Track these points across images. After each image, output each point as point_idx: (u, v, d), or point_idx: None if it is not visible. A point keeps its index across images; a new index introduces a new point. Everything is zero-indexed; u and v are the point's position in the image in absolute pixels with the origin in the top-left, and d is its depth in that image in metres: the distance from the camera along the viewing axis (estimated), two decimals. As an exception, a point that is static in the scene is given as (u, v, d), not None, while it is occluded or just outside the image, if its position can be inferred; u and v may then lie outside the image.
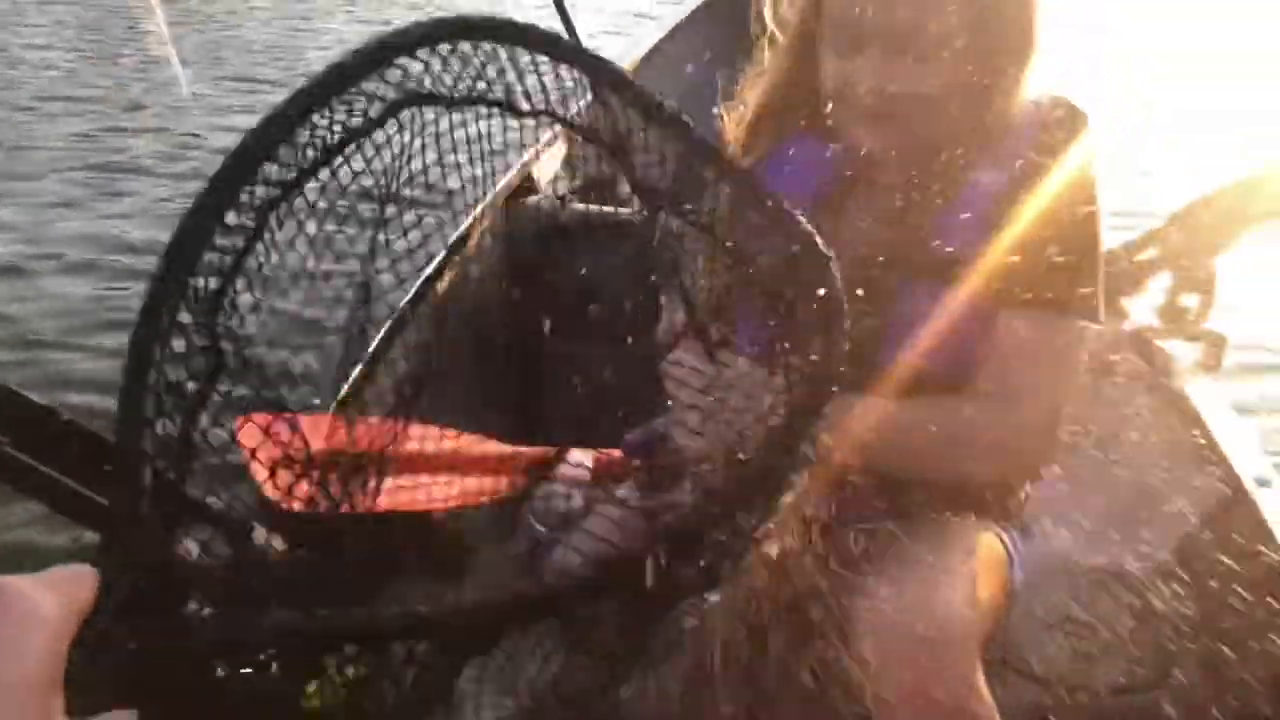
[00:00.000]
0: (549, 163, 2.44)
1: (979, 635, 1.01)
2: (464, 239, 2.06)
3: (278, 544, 0.70)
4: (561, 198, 2.36)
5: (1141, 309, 1.96)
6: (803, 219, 0.66)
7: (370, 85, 0.59)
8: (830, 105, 1.16)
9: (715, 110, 1.29)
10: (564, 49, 0.68)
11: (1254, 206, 1.86)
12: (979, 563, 1.12)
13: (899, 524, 1.12)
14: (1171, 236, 1.93)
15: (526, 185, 2.47)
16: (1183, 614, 1.46)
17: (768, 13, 1.22)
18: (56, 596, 0.38)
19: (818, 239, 0.64)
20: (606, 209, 2.38)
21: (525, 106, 0.71)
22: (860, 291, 0.92)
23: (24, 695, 0.35)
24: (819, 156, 1.19)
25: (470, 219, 2.20)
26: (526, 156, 2.33)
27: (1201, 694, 1.34)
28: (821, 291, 0.61)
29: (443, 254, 1.99)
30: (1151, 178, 4.86)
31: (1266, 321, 3.53)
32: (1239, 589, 1.41)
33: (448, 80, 0.65)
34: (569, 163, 2.49)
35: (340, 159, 0.61)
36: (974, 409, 1.11)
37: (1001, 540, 1.20)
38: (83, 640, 0.39)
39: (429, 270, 1.88)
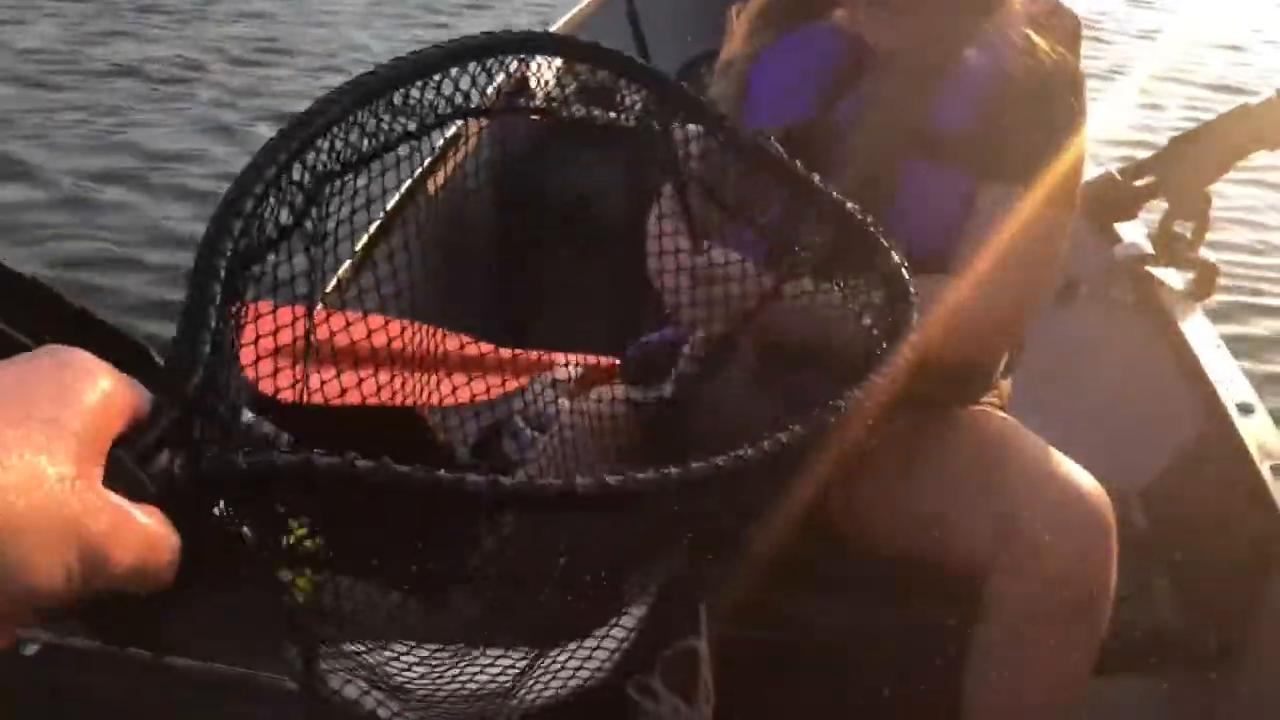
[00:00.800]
0: (544, 63, 2.39)
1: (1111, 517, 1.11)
2: (456, 138, 2.03)
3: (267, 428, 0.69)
4: (559, 100, 2.31)
5: (1136, 234, 1.96)
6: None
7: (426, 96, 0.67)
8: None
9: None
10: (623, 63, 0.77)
11: (1250, 135, 1.85)
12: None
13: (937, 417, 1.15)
14: (1168, 163, 1.92)
15: (520, 86, 2.42)
16: (1161, 530, 1.48)
17: None
18: (115, 378, 0.39)
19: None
20: (602, 112, 2.33)
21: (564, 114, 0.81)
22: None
23: (75, 438, 0.36)
24: (824, 45, 1.19)
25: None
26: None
27: (1172, 608, 1.37)
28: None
29: (434, 152, 1.96)
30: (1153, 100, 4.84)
31: (1257, 251, 3.56)
32: (1217, 510, 1.43)
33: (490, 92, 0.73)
34: (566, 66, 2.44)
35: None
36: (950, 291, 1.11)
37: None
38: (133, 441, 0.39)
39: (420, 168, 1.85)
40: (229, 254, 0.50)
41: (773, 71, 1.19)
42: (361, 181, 0.70)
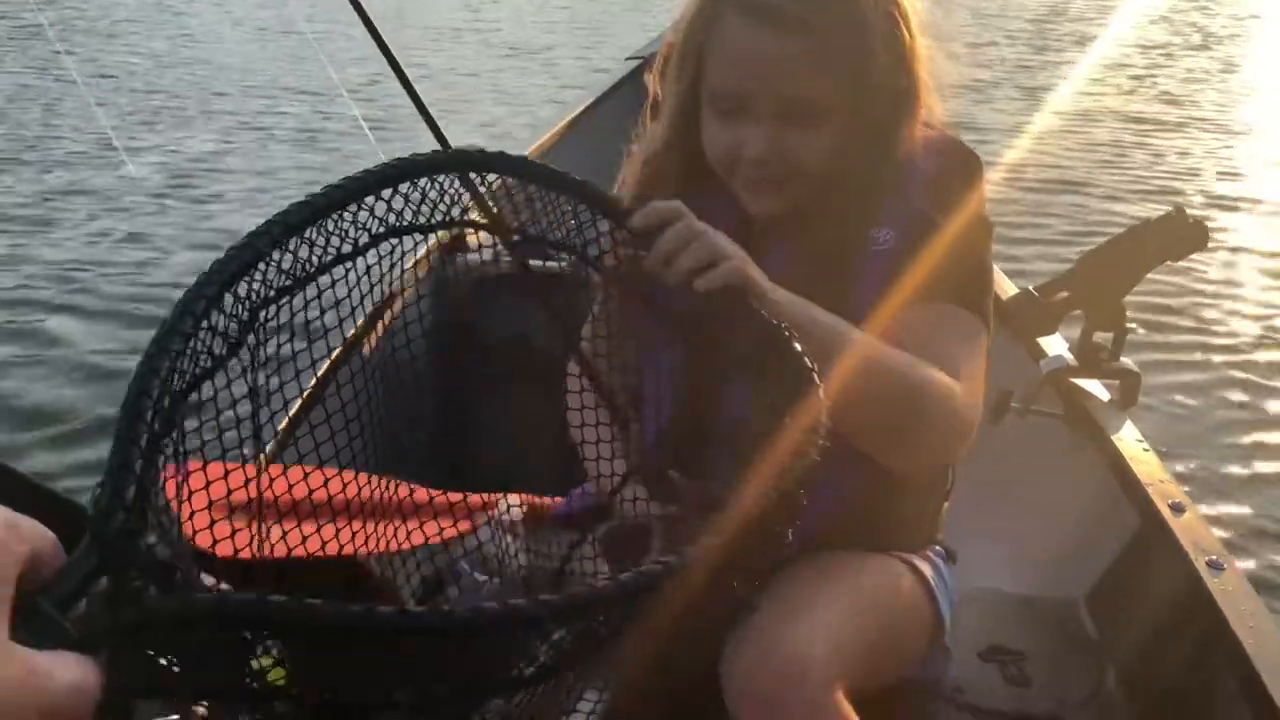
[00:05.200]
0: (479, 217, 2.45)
1: (837, 670, 0.99)
2: (393, 295, 2.06)
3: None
4: (495, 250, 2.36)
5: (1059, 347, 2.02)
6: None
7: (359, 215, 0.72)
8: (717, 171, 1.13)
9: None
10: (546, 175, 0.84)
11: (1153, 249, 1.93)
12: (897, 598, 1.13)
13: (814, 559, 1.10)
14: (1080, 279, 1.99)
15: (457, 241, 2.48)
16: (1106, 635, 1.49)
17: (651, 79, 1.20)
18: (9, 525, 0.39)
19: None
20: (538, 262, 2.38)
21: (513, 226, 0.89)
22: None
23: None
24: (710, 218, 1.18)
25: (402, 271, 2.19)
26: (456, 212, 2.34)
27: (1126, 713, 1.37)
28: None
29: (374, 305, 1.98)
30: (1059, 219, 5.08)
31: (1175, 354, 3.69)
32: (1158, 609, 1.44)
33: (426, 210, 0.80)
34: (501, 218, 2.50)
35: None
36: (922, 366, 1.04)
37: (920, 573, 1.20)
38: (53, 582, 0.40)
39: (360, 321, 1.88)
40: (158, 394, 0.51)
41: None
42: (301, 318, 0.73)
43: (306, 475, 1.13)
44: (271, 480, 1.11)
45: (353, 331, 1.82)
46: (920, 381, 1.01)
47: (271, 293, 0.66)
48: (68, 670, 0.38)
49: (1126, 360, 1.95)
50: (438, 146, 2.02)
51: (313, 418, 1.73)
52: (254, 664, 0.47)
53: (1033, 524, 1.70)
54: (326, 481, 1.14)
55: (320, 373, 1.70)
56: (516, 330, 2.00)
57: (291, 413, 1.64)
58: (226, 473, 0.78)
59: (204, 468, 0.75)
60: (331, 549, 1.30)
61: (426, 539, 1.42)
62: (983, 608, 1.46)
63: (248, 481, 0.95)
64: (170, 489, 0.76)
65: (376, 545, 1.41)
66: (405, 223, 0.77)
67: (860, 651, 1.04)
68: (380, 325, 1.98)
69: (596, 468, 1.14)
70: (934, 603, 1.19)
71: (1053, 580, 1.65)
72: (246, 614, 0.42)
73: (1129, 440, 1.73)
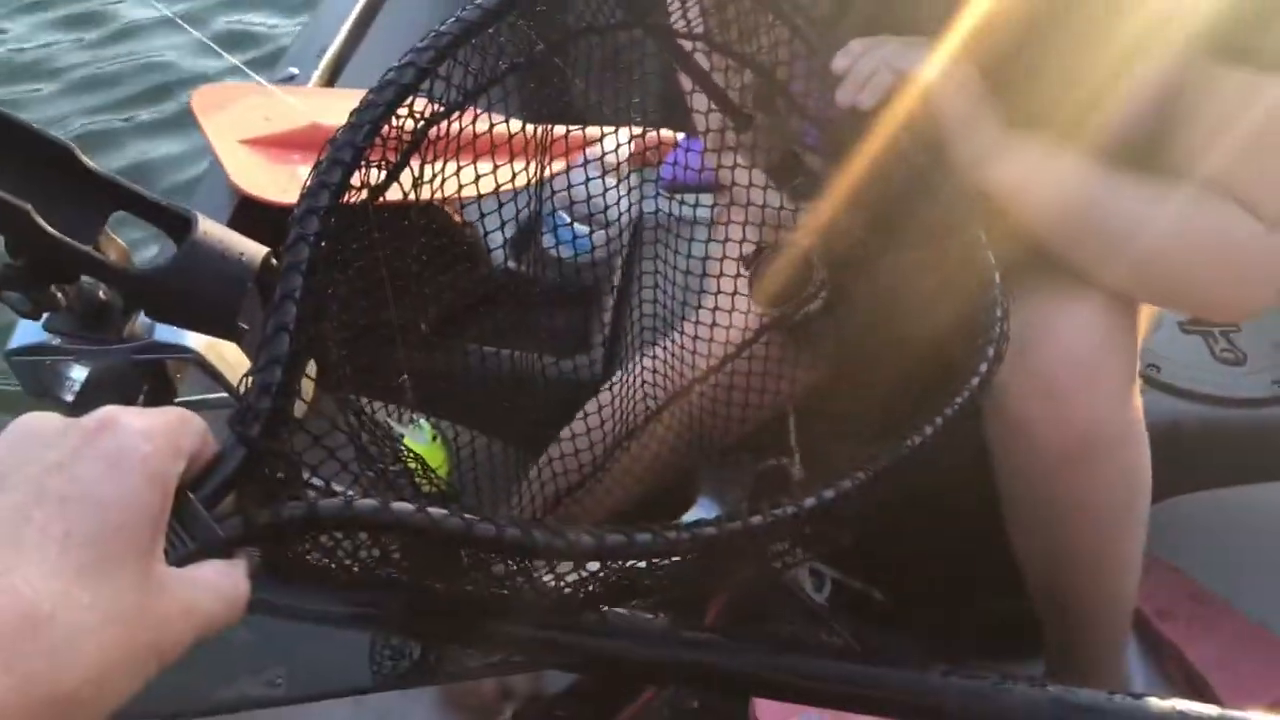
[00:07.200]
0: None
1: (1134, 349, 0.81)
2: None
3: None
4: None
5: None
6: None
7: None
8: None
9: None
10: None
11: None
12: None
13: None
14: None
15: None
16: None
17: None
18: (162, 431, 0.37)
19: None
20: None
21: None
22: None
23: (117, 531, 0.34)
24: None
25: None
26: None
27: None
28: None
29: None
30: None
31: None
32: None
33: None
34: None
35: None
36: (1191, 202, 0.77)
37: None
38: (202, 485, 0.40)
39: None
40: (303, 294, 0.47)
41: None
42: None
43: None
44: (330, 106, 0.94)
45: None
46: (1205, 243, 0.76)
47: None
48: (220, 587, 0.38)
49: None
50: None
51: (376, 33, 1.49)
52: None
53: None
54: (398, 110, 0.93)
55: None
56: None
57: (345, 32, 1.39)
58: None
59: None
60: (410, 190, 1.12)
61: (511, 180, 1.23)
62: None
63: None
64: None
65: (457, 189, 1.22)
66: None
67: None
68: None
69: (705, 122, 0.90)
70: None
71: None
72: (379, 521, 0.42)
73: None
